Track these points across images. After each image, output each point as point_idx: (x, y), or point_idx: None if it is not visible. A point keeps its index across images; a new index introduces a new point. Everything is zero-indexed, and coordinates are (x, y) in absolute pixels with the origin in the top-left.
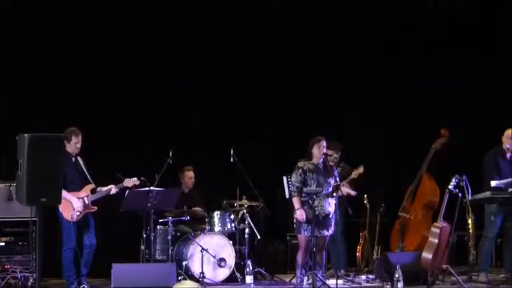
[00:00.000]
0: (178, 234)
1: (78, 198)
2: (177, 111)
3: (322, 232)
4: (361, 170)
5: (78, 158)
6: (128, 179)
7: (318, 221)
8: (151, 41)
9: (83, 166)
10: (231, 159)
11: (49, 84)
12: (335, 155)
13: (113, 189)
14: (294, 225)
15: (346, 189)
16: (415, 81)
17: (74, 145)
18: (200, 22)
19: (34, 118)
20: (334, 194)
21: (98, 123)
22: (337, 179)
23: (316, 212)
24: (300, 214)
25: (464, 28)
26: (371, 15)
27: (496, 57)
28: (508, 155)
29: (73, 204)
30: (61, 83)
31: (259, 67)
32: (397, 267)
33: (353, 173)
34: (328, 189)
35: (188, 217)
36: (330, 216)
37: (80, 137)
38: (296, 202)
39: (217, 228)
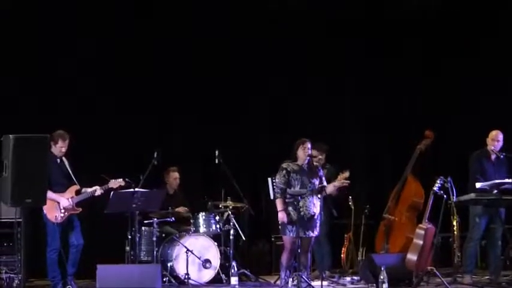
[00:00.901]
0: (163, 235)
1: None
2: (162, 112)
3: (308, 233)
4: (347, 174)
5: (64, 158)
6: (113, 180)
7: (303, 222)
8: (135, 42)
9: (68, 167)
10: (216, 161)
11: (31, 85)
12: (320, 157)
13: (98, 190)
14: (279, 227)
15: (334, 185)
16: (401, 81)
17: (58, 148)
18: (186, 22)
19: (15, 118)
20: (319, 196)
21: (82, 124)
22: (323, 180)
23: (301, 213)
24: (281, 216)
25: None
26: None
27: (476, 57)
28: (493, 157)
29: (61, 203)
30: (46, 84)
31: (245, 67)
32: (382, 268)
33: (338, 177)
34: (312, 188)
35: (173, 218)
36: (315, 217)
37: (67, 141)
38: (279, 204)
39: (202, 229)
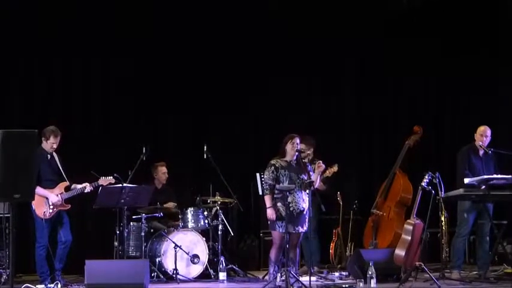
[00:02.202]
0: (152, 230)
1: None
2: (150, 108)
3: (297, 229)
4: (335, 168)
5: (54, 154)
6: (103, 178)
7: (292, 217)
8: (129, 41)
9: (58, 163)
10: (205, 156)
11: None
12: (308, 152)
13: (88, 187)
14: (268, 222)
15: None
16: (388, 81)
17: (50, 144)
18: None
19: (7, 113)
20: (308, 191)
21: (72, 120)
22: (311, 174)
23: (291, 209)
24: (270, 213)
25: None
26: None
27: (476, 55)
28: (481, 152)
29: (50, 199)
30: (37, 79)
31: (233, 63)
32: (370, 264)
33: (327, 171)
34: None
35: (161, 213)
36: (304, 212)
37: (58, 138)
38: (267, 200)
39: (190, 224)
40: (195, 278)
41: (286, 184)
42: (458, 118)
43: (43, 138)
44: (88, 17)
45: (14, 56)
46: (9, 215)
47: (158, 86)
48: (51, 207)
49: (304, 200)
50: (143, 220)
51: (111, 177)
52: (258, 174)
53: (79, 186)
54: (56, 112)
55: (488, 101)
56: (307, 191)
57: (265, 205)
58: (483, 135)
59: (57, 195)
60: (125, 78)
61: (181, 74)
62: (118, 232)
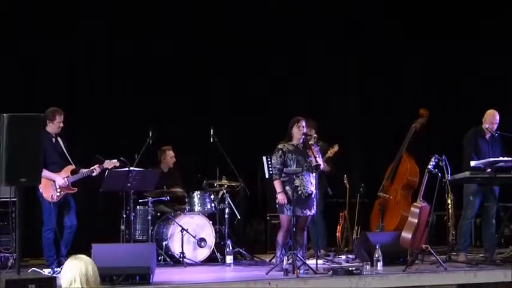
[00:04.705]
0: (158, 214)
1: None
2: (157, 92)
3: (305, 212)
4: (336, 148)
5: (59, 138)
6: (107, 161)
7: (300, 200)
8: (131, 22)
9: (63, 147)
10: (211, 140)
11: (27, 64)
12: (314, 135)
13: (97, 169)
14: (276, 206)
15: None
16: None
17: (57, 124)
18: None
19: (10, 98)
20: (314, 174)
21: (77, 104)
22: (319, 157)
23: (299, 192)
24: (281, 198)
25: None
26: None
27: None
28: (488, 135)
29: (57, 182)
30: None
31: (243, 47)
32: (377, 247)
33: (328, 152)
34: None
35: (168, 197)
36: (313, 195)
37: (62, 116)
38: (277, 185)
39: (197, 208)
40: (201, 261)
41: (293, 167)
42: (464, 101)
43: (48, 121)
44: None
45: (14, 37)
46: (15, 199)
47: (164, 68)
48: (58, 190)
49: (312, 183)
50: (150, 204)
51: (116, 160)
52: (264, 158)
53: (85, 170)
54: (60, 96)
55: (496, 85)
56: (314, 174)
57: (271, 188)
58: (492, 121)
59: (64, 178)
60: (129, 59)
61: (186, 56)
62: (125, 216)
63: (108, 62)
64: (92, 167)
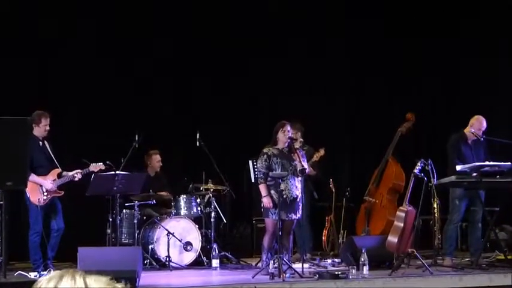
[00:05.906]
0: (145, 217)
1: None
2: (143, 95)
3: (290, 216)
4: (322, 152)
5: (46, 142)
6: (93, 164)
7: (285, 204)
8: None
9: (50, 150)
10: (197, 143)
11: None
12: (300, 139)
13: (79, 174)
14: (262, 209)
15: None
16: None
17: (43, 128)
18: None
19: None
20: (300, 178)
21: (64, 107)
22: (304, 161)
23: (284, 196)
24: (266, 201)
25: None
26: None
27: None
28: (470, 140)
29: (44, 186)
30: (29, 64)
31: (225, 49)
32: (363, 251)
33: (314, 156)
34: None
35: (154, 201)
36: (298, 199)
37: (48, 119)
38: (263, 189)
39: (183, 212)
40: (187, 265)
41: (278, 171)
42: (451, 105)
43: (34, 125)
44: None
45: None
46: (1, 203)
47: (150, 72)
48: (46, 193)
49: (297, 187)
50: (136, 207)
51: (102, 163)
52: (250, 162)
53: (70, 173)
54: (46, 100)
55: (484, 86)
56: (300, 178)
57: (257, 192)
58: (479, 126)
59: (51, 182)
60: (116, 62)
61: (173, 61)
62: (111, 219)
63: (97, 66)
64: (74, 171)
